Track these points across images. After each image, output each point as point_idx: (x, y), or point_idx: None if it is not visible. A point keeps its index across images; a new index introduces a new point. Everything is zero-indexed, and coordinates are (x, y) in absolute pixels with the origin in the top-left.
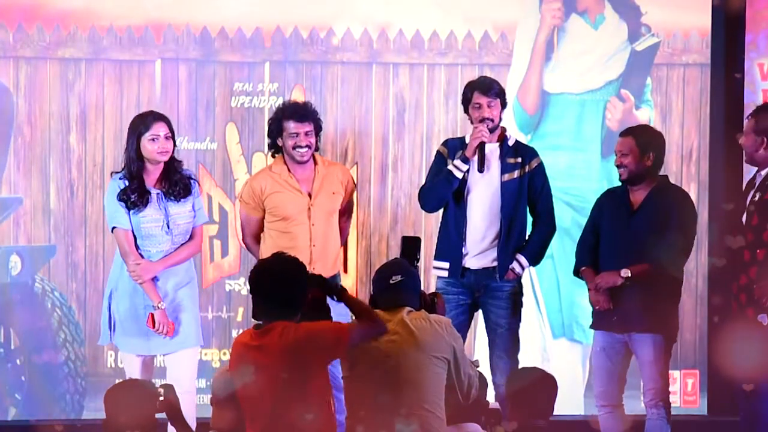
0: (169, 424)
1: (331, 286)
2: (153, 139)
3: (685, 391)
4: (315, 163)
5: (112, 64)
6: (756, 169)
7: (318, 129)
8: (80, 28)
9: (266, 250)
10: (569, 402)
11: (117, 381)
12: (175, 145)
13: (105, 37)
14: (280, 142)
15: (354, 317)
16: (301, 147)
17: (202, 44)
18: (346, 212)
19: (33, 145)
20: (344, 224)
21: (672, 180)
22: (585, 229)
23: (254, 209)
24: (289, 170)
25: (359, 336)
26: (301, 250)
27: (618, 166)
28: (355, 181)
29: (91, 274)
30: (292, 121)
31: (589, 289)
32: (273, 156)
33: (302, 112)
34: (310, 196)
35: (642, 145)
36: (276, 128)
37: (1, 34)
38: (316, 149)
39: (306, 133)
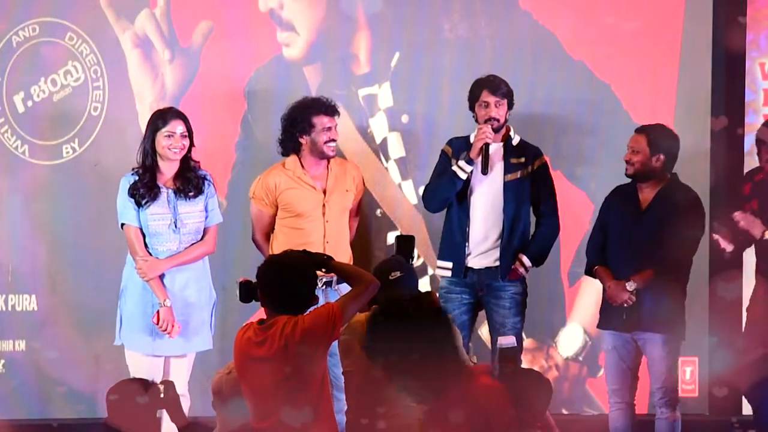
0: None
1: (318, 259)
2: (168, 136)
3: (683, 380)
4: (327, 160)
5: None
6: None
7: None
8: None
9: (278, 247)
10: (569, 401)
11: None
12: (192, 145)
13: None
14: (303, 139)
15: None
16: (333, 141)
17: None
18: (355, 211)
19: None
20: (352, 223)
21: None
22: (594, 228)
23: (267, 206)
24: (302, 167)
25: (351, 307)
26: (314, 247)
27: (626, 161)
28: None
29: None
30: (324, 116)
31: (605, 288)
32: (284, 154)
33: (333, 106)
34: (324, 192)
35: (653, 145)
36: (307, 125)
37: None
38: None
39: (336, 127)
